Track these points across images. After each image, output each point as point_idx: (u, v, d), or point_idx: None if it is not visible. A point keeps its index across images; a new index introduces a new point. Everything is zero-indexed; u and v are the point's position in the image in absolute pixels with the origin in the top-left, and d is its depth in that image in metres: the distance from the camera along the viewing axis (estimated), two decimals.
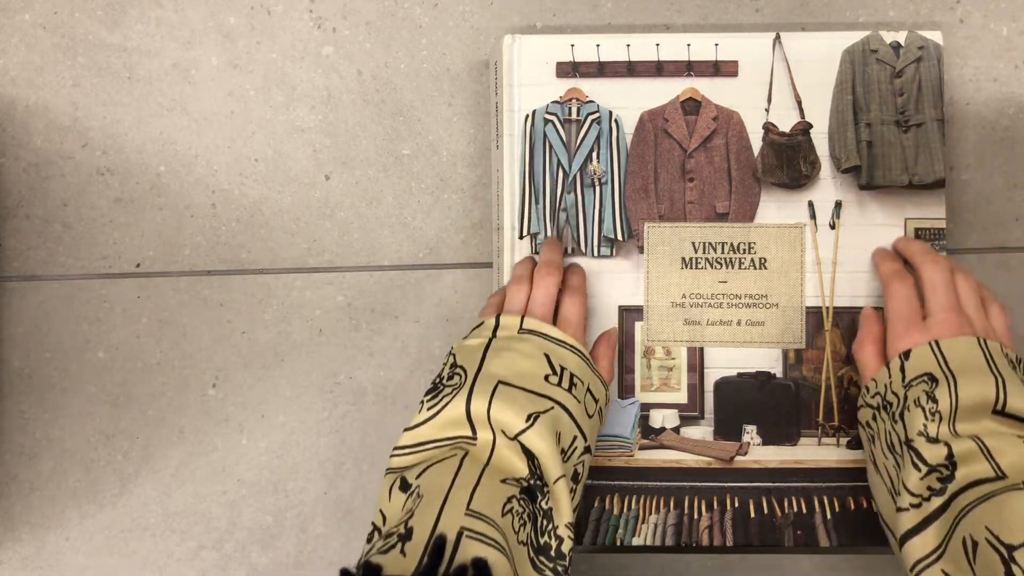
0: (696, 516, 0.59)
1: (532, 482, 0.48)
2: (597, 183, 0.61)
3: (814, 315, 0.60)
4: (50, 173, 0.64)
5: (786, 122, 0.60)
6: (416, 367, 0.63)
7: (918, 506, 0.47)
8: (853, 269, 0.60)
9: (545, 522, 0.47)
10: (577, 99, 0.61)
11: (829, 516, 0.59)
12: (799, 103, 0.60)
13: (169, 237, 0.64)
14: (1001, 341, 0.52)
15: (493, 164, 0.62)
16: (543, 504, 0.47)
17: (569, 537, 0.48)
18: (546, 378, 0.50)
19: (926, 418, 0.48)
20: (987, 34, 0.63)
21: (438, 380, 0.51)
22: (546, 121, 0.61)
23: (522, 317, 0.53)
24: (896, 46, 0.60)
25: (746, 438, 0.60)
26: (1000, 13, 0.63)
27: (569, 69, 0.61)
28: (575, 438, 0.50)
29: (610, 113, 0.61)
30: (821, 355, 0.60)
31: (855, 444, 0.59)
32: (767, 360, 0.60)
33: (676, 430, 0.60)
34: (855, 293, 0.60)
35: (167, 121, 0.64)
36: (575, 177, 0.61)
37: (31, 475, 0.63)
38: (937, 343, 0.50)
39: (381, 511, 0.47)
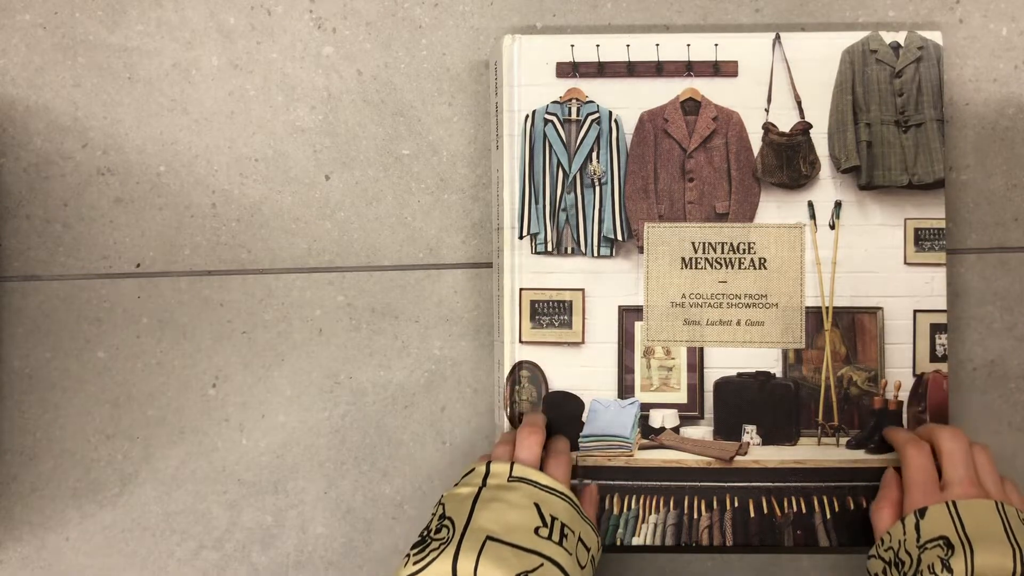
0: (696, 516, 0.59)
1: None
2: (597, 183, 0.61)
3: (814, 315, 0.60)
4: (50, 173, 0.64)
5: (786, 122, 0.60)
6: (416, 367, 0.63)
7: None
8: (853, 269, 0.60)
9: None
10: (577, 99, 0.61)
11: (829, 516, 0.59)
12: (799, 103, 0.60)
13: (169, 237, 0.64)
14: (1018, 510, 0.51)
15: (493, 164, 0.62)
16: None
17: None
18: (536, 531, 0.50)
19: None
20: (987, 34, 0.63)
21: (425, 532, 0.51)
22: (546, 121, 0.61)
23: (512, 464, 0.53)
24: (896, 46, 0.60)
25: (746, 438, 0.60)
26: (1000, 13, 0.63)
27: (569, 69, 0.61)
28: None
29: (610, 113, 0.61)
30: (821, 355, 0.60)
31: (855, 444, 0.59)
32: (767, 360, 0.60)
33: (676, 430, 0.60)
34: (855, 293, 0.60)
35: (167, 121, 0.64)
36: (575, 177, 0.61)
37: (31, 475, 0.63)
38: (954, 504, 0.50)
39: None
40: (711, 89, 0.61)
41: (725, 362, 0.60)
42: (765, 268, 0.60)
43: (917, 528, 0.51)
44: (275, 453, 0.64)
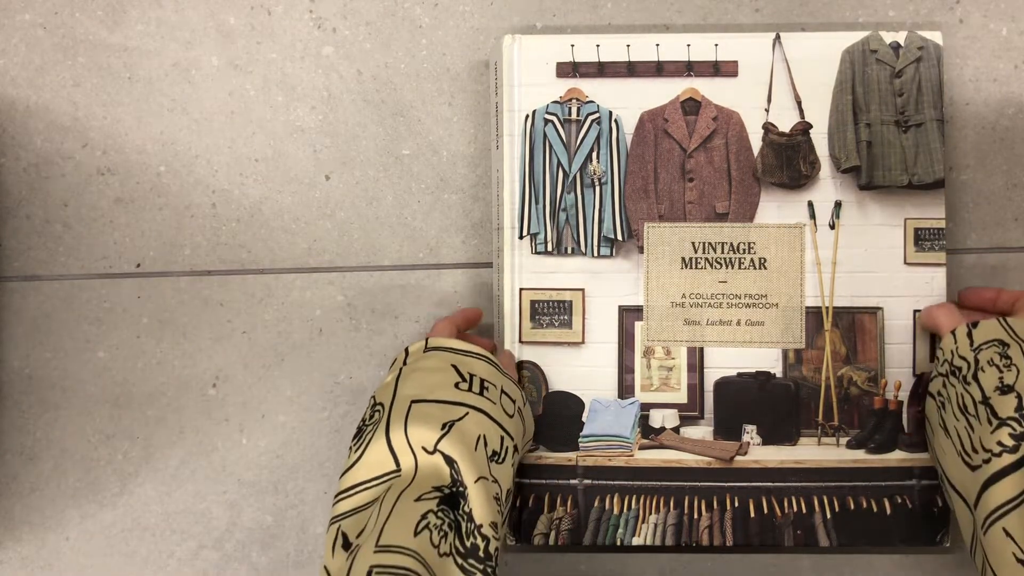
0: (696, 516, 0.59)
1: (455, 488, 0.48)
2: (597, 183, 0.61)
3: (814, 315, 0.60)
4: (50, 173, 0.64)
5: (786, 122, 0.60)
6: None
7: (988, 461, 0.48)
8: (853, 269, 0.60)
9: (468, 524, 0.48)
10: (577, 99, 0.61)
11: (829, 516, 0.59)
12: (799, 103, 0.60)
13: (169, 237, 0.64)
14: None
15: (493, 164, 0.62)
16: (464, 508, 0.48)
17: (494, 537, 0.48)
18: (456, 385, 0.52)
19: (1000, 371, 0.50)
20: (987, 34, 0.63)
21: (361, 423, 0.52)
22: (546, 121, 0.61)
23: (427, 339, 0.55)
24: (896, 46, 0.60)
25: (746, 438, 0.60)
26: (1000, 13, 0.63)
27: (569, 69, 0.61)
28: (503, 438, 0.51)
29: (610, 113, 0.61)
30: (821, 355, 0.60)
31: (855, 444, 0.59)
32: (767, 360, 0.60)
33: (676, 430, 0.60)
34: (855, 293, 0.60)
35: (167, 121, 0.64)
36: (575, 177, 0.61)
37: (31, 475, 0.63)
38: (1005, 319, 0.53)
39: (325, 568, 0.47)
40: (711, 89, 0.61)
41: (725, 362, 0.60)
42: (765, 268, 0.60)
43: (970, 336, 0.53)
44: (275, 453, 0.63)
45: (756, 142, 0.60)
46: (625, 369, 0.60)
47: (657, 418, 0.60)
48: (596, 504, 0.59)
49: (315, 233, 0.64)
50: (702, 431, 0.60)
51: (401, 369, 0.54)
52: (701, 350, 0.60)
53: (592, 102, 0.61)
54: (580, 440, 0.60)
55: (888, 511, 0.59)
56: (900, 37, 0.60)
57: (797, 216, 0.60)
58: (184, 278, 0.64)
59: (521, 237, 0.60)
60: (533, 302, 0.60)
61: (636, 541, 0.59)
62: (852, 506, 0.59)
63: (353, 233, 0.64)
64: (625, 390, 0.60)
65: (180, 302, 0.64)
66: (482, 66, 0.64)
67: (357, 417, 0.63)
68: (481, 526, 0.48)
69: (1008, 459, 0.47)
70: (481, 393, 0.52)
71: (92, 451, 0.64)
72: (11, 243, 0.64)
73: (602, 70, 0.61)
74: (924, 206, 0.60)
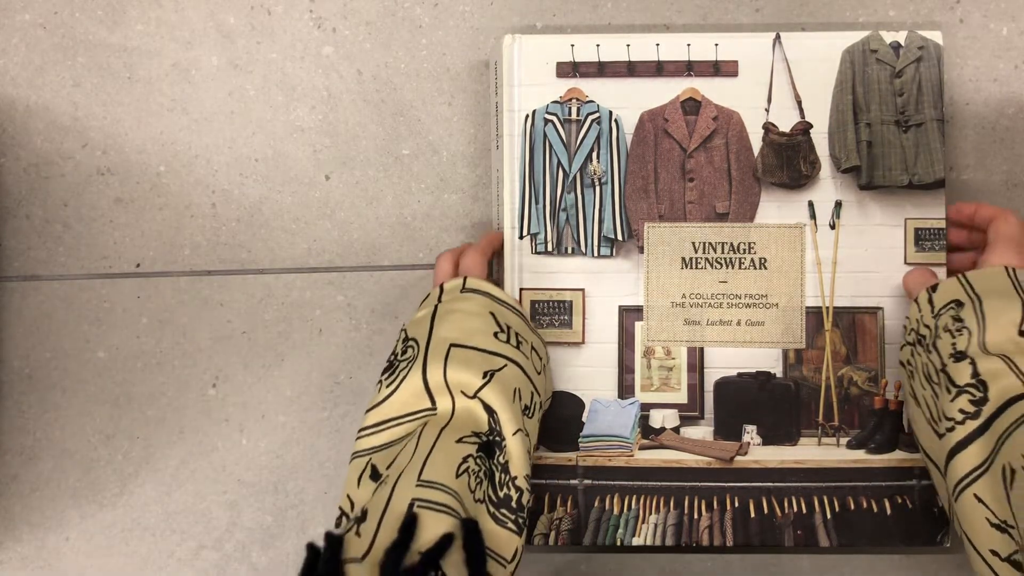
0: (696, 516, 0.59)
1: (491, 437, 0.49)
2: (597, 183, 0.61)
3: (814, 315, 0.60)
4: (50, 173, 0.64)
5: (786, 122, 0.60)
6: None
7: (952, 430, 0.48)
8: (853, 269, 0.60)
9: (503, 475, 0.48)
10: (577, 99, 0.61)
11: (829, 516, 0.59)
12: (799, 103, 0.60)
13: (169, 237, 0.64)
14: None
15: (493, 164, 0.62)
16: (500, 459, 0.48)
17: (528, 490, 0.49)
18: (495, 335, 0.52)
19: (953, 337, 0.49)
20: (987, 34, 0.63)
21: (393, 357, 0.52)
22: (546, 121, 0.61)
23: (464, 278, 0.54)
24: (896, 46, 0.60)
25: (746, 438, 0.60)
26: (1000, 13, 0.63)
27: (569, 69, 0.61)
28: (532, 394, 0.52)
29: (610, 113, 0.61)
30: (821, 355, 0.60)
31: (855, 444, 0.59)
32: (767, 360, 0.60)
33: (676, 430, 0.60)
34: (855, 293, 0.60)
35: (167, 121, 0.64)
36: (575, 177, 0.61)
37: (31, 475, 0.63)
38: (964, 275, 0.51)
39: (348, 496, 0.48)
40: (711, 89, 0.61)
41: (725, 362, 0.60)
42: (765, 268, 0.60)
43: (931, 301, 0.52)
44: (275, 453, 0.63)
45: (756, 142, 0.60)
46: (625, 369, 0.60)
47: (657, 418, 0.60)
48: (596, 504, 0.59)
49: (315, 233, 0.64)
50: (702, 431, 0.60)
51: (436, 307, 0.53)
52: (701, 350, 0.60)
53: (592, 102, 0.61)
54: (580, 440, 0.60)
55: (888, 511, 0.59)
56: (900, 37, 0.60)
57: (797, 216, 0.60)
58: (184, 278, 0.64)
59: (521, 237, 0.60)
60: (533, 302, 0.60)
61: (636, 541, 0.59)
62: (852, 506, 0.59)
63: (353, 233, 0.64)
64: (625, 390, 0.60)
65: (180, 302, 0.64)
66: (482, 66, 0.64)
67: (357, 417, 0.63)
68: (516, 478, 0.48)
69: (971, 425, 0.47)
70: (518, 347, 0.52)
71: (92, 451, 0.64)
72: (11, 243, 0.64)
73: (602, 70, 0.61)
74: (924, 206, 0.60)
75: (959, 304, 0.50)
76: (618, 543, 0.59)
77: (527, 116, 0.61)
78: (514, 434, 0.49)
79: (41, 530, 0.63)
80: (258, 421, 0.64)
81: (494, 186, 0.62)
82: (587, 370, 0.60)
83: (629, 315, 0.60)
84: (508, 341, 0.52)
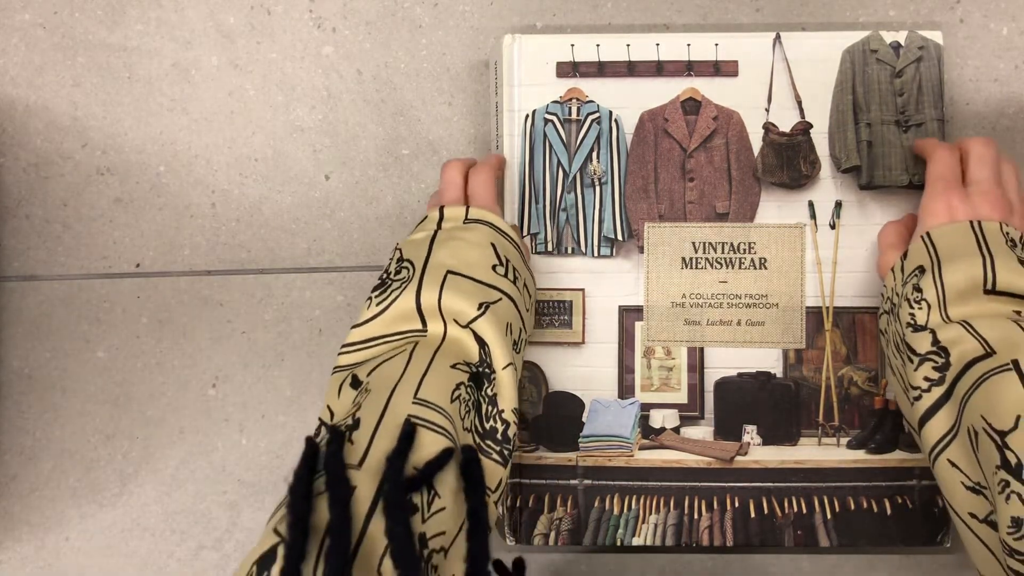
0: (696, 516, 0.59)
1: (480, 369, 0.48)
2: (597, 183, 0.61)
3: (814, 315, 0.60)
4: (50, 173, 0.64)
5: (786, 122, 0.60)
6: None
7: (919, 398, 0.48)
8: (853, 269, 0.60)
9: (490, 407, 0.48)
10: (577, 99, 0.61)
11: (829, 516, 0.59)
12: (799, 103, 0.60)
13: (169, 237, 0.64)
14: None
15: None
16: (488, 391, 0.48)
17: (515, 423, 0.49)
18: (493, 268, 0.51)
19: (911, 308, 0.49)
20: (987, 34, 0.63)
21: (385, 275, 0.51)
22: (546, 121, 0.61)
23: (467, 207, 0.53)
24: (896, 46, 0.60)
25: (746, 438, 0.60)
26: (1000, 13, 0.63)
27: (569, 69, 0.61)
28: (521, 330, 0.52)
29: (610, 113, 0.61)
30: (821, 355, 0.60)
31: (855, 444, 0.59)
32: (767, 360, 0.60)
33: (676, 430, 0.60)
34: (855, 293, 0.60)
35: (167, 121, 0.64)
36: (575, 177, 0.61)
37: (31, 475, 0.63)
38: (928, 234, 0.50)
39: (329, 407, 0.47)
40: (711, 89, 0.61)
41: (725, 362, 0.60)
42: (765, 268, 0.60)
43: (902, 269, 0.52)
44: (275, 453, 0.63)
45: (756, 142, 0.60)
46: (625, 369, 0.60)
47: (657, 418, 0.60)
48: (596, 504, 0.59)
49: (315, 233, 0.64)
50: (702, 431, 0.60)
51: (436, 232, 0.52)
52: (701, 350, 0.60)
53: (592, 102, 0.61)
54: (580, 440, 0.60)
55: (888, 511, 0.59)
56: (900, 37, 0.60)
57: (797, 216, 0.60)
58: (183, 278, 0.64)
59: (521, 237, 0.60)
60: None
61: (636, 541, 0.59)
62: (852, 506, 0.59)
63: (353, 233, 0.64)
64: (625, 390, 0.60)
65: (179, 302, 0.64)
66: (482, 66, 0.64)
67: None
68: (503, 411, 0.48)
69: (937, 392, 0.47)
70: (514, 281, 0.52)
71: (92, 451, 0.64)
72: (11, 243, 0.64)
73: (602, 70, 0.61)
74: None
75: (922, 270, 0.49)
76: (618, 543, 0.59)
77: (527, 116, 0.61)
78: (504, 368, 0.48)
79: (41, 530, 0.63)
80: (258, 421, 0.64)
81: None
82: (587, 370, 0.60)
83: (629, 315, 0.60)
84: (506, 275, 0.51)
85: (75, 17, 0.64)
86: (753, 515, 0.59)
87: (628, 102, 0.61)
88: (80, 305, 0.64)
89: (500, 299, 0.50)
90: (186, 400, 0.64)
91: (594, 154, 0.61)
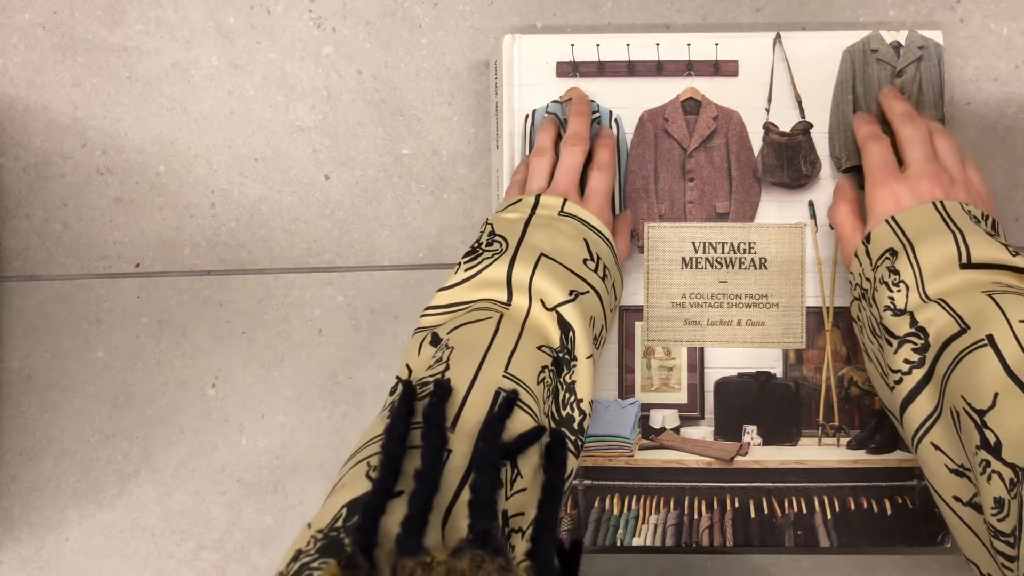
0: (696, 516, 0.59)
1: (561, 355, 0.48)
2: None
3: (814, 315, 0.60)
4: (50, 173, 0.64)
5: (786, 122, 0.60)
6: None
7: (900, 382, 0.48)
8: None
9: (568, 395, 0.47)
10: None
11: (829, 516, 0.59)
12: (799, 103, 0.60)
13: (169, 237, 0.64)
14: (978, 193, 0.53)
15: (493, 164, 0.62)
16: (567, 378, 0.48)
17: (589, 414, 0.48)
18: (584, 262, 0.51)
19: (890, 291, 0.49)
20: (987, 34, 0.62)
21: (476, 245, 0.51)
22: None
23: (564, 200, 0.53)
24: (896, 46, 0.60)
25: (746, 438, 0.60)
26: (1000, 13, 0.63)
27: (569, 69, 0.61)
28: (603, 328, 0.51)
29: (610, 113, 0.61)
30: (821, 355, 0.60)
31: (855, 444, 0.59)
32: (767, 360, 0.60)
33: (676, 430, 0.60)
34: None
35: (167, 121, 0.64)
36: None
37: (31, 475, 0.63)
38: (894, 218, 0.50)
39: (408, 365, 0.47)
40: (711, 89, 0.60)
41: (725, 362, 0.60)
42: (766, 268, 0.60)
43: (868, 254, 0.52)
44: (275, 453, 0.63)
45: (756, 142, 0.60)
46: (625, 369, 0.60)
47: (657, 418, 0.60)
48: (596, 504, 0.59)
49: (314, 233, 0.64)
50: (702, 431, 0.60)
51: (531, 217, 0.52)
52: (701, 350, 0.60)
53: (592, 102, 0.61)
54: None
55: (888, 511, 0.59)
56: (901, 37, 0.60)
57: (798, 216, 0.60)
58: (183, 278, 0.64)
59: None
60: None
61: (636, 542, 0.59)
62: (852, 506, 0.59)
63: (353, 233, 0.64)
64: (625, 390, 0.60)
65: (179, 302, 0.64)
66: (482, 66, 0.64)
67: (357, 417, 0.63)
68: (581, 400, 0.48)
69: (918, 374, 0.47)
70: (603, 279, 0.52)
71: (92, 451, 0.64)
72: (11, 243, 0.64)
73: (602, 70, 0.61)
74: None
75: (894, 253, 0.49)
76: (618, 543, 0.59)
77: (527, 116, 0.61)
78: (587, 358, 0.48)
79: (41, 530, 0.63)
80: (258, 421, 0.64)
81: (494, 186, 0.62)
82: None
83: (629, 315, 0.60)
84: (596, 271, 0.51)
85: (75, 17, 0.64)
86: (753, 515, 0.59)
87: (628, 102, 0.61)
88: (80, 305, 0.64)
89: (588, 291, 0.50)
90: (186, 400, 0.64)
91: None
